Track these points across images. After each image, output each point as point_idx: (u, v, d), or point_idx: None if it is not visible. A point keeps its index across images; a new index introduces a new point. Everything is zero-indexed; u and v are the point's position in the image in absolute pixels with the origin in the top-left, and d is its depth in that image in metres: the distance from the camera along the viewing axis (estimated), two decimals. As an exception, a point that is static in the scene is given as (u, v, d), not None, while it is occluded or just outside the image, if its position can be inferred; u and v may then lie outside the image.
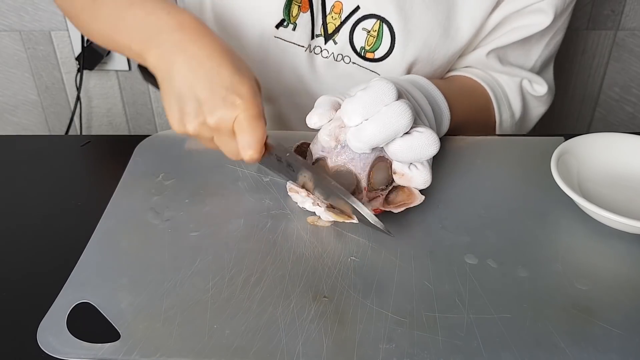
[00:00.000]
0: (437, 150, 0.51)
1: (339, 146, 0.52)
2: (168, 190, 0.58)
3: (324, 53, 0.72)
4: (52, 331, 0.44)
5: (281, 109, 0.79)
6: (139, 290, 0.47)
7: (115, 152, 0.68)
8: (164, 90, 0.55)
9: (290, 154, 0.53)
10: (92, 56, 1.20)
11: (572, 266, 0.49)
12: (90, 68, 1.22)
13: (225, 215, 0.55)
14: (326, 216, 0.51)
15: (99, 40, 0.64)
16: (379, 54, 0.71)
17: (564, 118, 1.31)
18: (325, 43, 0.72)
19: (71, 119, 1.26)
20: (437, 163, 0.62)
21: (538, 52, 0.77)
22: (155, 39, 0.55)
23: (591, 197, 0.54)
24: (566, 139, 0.59)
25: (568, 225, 0.53)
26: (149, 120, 1.31)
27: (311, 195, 0.53)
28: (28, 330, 0.44)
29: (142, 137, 0.67)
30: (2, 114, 1.31)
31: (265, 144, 0.52)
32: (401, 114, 0.48)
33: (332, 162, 0.52)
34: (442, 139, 0.66)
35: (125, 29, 0.58)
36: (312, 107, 0.54)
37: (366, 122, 0.49)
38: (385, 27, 0.69)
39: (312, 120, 0.52)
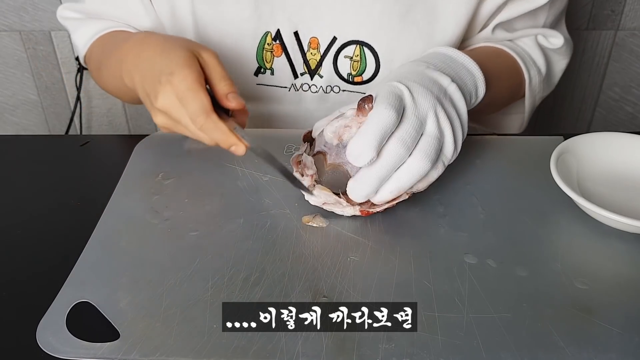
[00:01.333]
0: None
1: (341, 145, 0.52)
2: (167, 189, 0.58)
3: (313, 88, 0.72)
4: (51, 330, 0.44)
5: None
6: (139, 289, 0.47)
7: (114, 151, 0.68)
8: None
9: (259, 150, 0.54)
10: (92, 56, 1.20)
11: (571, 265, 0.49)
12: (90, 68, 1.22)
13: (224, 214, 0.55)
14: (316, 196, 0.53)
15: (118, 95, 0.75)
16: (366, 75, 0.71)
17: (564, 118, 1.31)
18: (312, 79, 0.72)
19: (71, 119, 1.26)
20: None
21: (545, 14, 0.74)
22: (125, 68, 0.60)
23: (590, 197, 0.54)
24: (566, 139, 0.59)
25: (567, 225, 0.53)
26: (149, 120, 1.31)
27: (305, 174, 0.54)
28: (28, 329, 0.44)
29: (142, 137, 0.67)
30: (2, 114, 1.31)
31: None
32: (418, 174, 0.51)
33: (331, 159, 0.52)
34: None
35: (116, 74, 0.63)
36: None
37: (382, 186, 0.51)
38: (366, 50, 0.69)
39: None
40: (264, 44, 0.70)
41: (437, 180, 0.58)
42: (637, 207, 0.55)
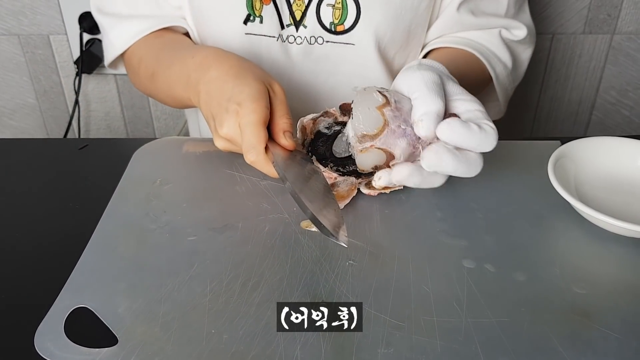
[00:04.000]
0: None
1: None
2: (165, 194, 0.58)
3: (298, 40, 0.74)
4: (49, 336, 0.44)
5: None
6: (137, 294, 0.47)
7: (113, 155, 0.68)
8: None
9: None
10: (90, 60, 1.20)
11: (569, 270, 0.49)
12: (89, 72, 1.22)
13: (222, 219, 0.55)
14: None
15: (168, 103, 0.75)
16: (348, 23, 0.72)
17: (560, 121, 1.31)
18: (297, 30, 0.73)
19: (69, 123, 1.26)
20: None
21: None
22: (189, 82, 0.63)
23: (588, 201, 0.54)
24: (563, 143, 0.59)
25: (565, 229, 0.53)
26: (147, 123, 1.31)
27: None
28: (25, 335, 0.44)
29: (140, 141, 0.67)
30: (0, 118, 1.31)
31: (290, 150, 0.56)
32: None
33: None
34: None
35: (174, 84, 0.67)
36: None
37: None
38: None
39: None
40: None
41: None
42: (635, 211, 0.55)
